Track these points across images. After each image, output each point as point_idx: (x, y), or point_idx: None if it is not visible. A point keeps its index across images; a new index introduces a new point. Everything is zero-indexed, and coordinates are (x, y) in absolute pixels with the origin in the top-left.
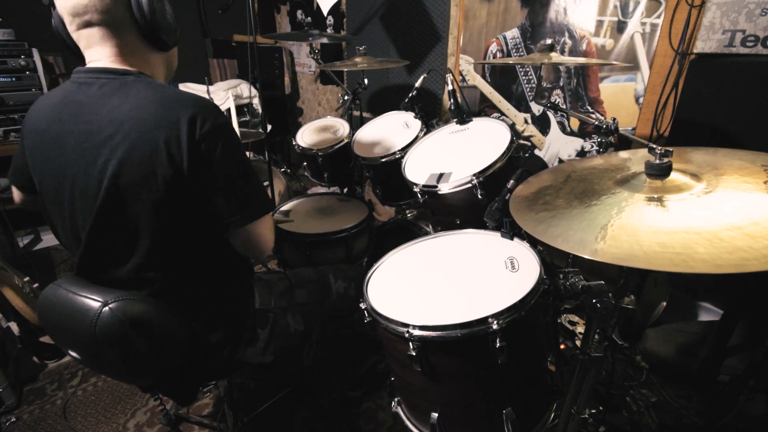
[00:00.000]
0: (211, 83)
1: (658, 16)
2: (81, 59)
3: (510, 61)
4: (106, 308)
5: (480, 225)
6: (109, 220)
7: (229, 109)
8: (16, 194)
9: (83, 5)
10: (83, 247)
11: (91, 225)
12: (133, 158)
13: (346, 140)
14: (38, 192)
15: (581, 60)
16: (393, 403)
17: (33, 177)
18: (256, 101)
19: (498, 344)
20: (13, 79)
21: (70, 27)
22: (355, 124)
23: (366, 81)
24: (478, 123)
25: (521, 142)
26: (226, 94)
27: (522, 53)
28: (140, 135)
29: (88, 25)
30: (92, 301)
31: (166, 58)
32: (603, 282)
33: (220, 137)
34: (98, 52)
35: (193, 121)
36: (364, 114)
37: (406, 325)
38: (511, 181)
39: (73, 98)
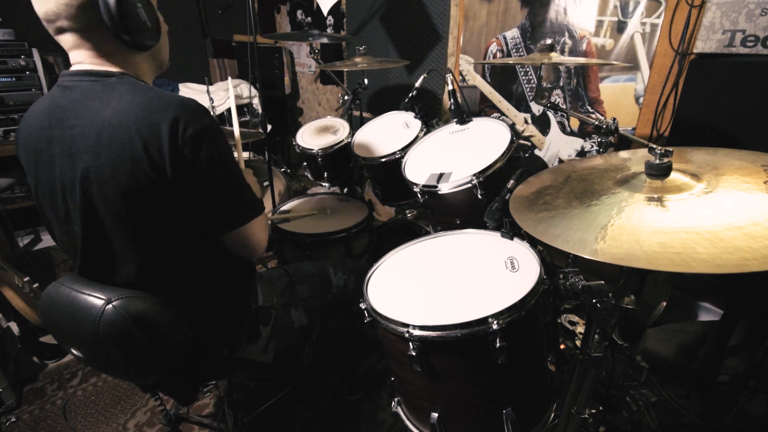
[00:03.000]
0: (211, 83)
1: (658, 16)
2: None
3: (510, 61)
4: (110, 306)
5: (480, 225)
6: (99, 228)
7: (229, 109)
8: None
9: (53, 12)
10: (80, 254)
11: (83, 233)
12: (116, 164)
13: (346, 140)
14: (34, 198)
15: (581, 60)
16: (393, 403)
17: (29, 183)
18: (256, 101)
19: (498, 344)
20: (13, 79)
21: (49, 31)
22: (355, 124)
23: (366, 81)
24: (478, 123)
25: (521, 142)
26: (226, 93)
27: (522, 53)
28: (121, 141)
29: (61, 31)
30: (95, 299)
31: (151, 56)
32: (603, 282)
33: (203, 141)
34: (77, 56)
35: (175, 126)
36: (364, 114)
37: (406, 325)
38: (511, 181)
39: (58, 103)
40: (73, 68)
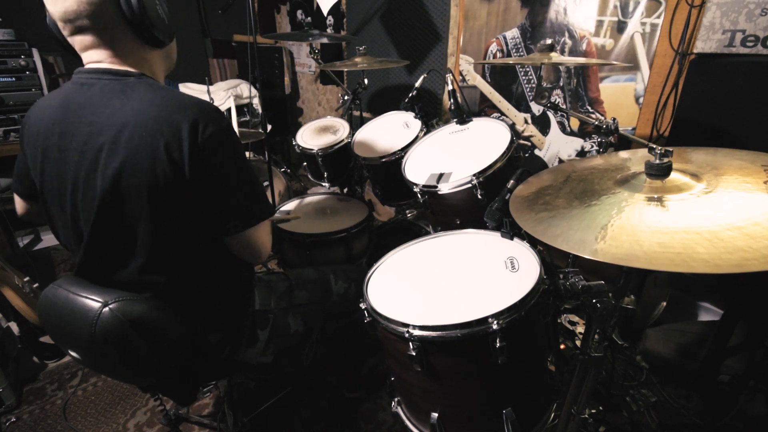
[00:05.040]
0: (211, 83)
1: (658, 16)
2: (78, 58)
3: (510, 61)
4: (106, 309)
5: (480, 225)
6: (109, 223)
7: (229, 109)
8: (19, 204)
9: (73, 11)
10: (84, 249)
11: (92, 228)
12: (134, 162)
13: (346, 140)
14: (39, 193)
15: (581, 60)
16: (393, 403)
17: (34, 178)
18: (256, 101)
19: (498, 344)
20: (13, 79)
21: (64, 31)
22: (355, 124)
23: (366, 81)
24: (478, 123)
25: (521, 142)
26: (226, 94)
27: (522, 53)
28: (141, 139)
29: (80, 30)
30: (92, 302)
31: (164, 53)
32: (603, 282)
33: (222, 142)
34: (95, 54)
35: (195, 127)
36: (364, 114)
37: (406, 325)
38: (511, 181)
39: (74, 99)
40: (89, 66)
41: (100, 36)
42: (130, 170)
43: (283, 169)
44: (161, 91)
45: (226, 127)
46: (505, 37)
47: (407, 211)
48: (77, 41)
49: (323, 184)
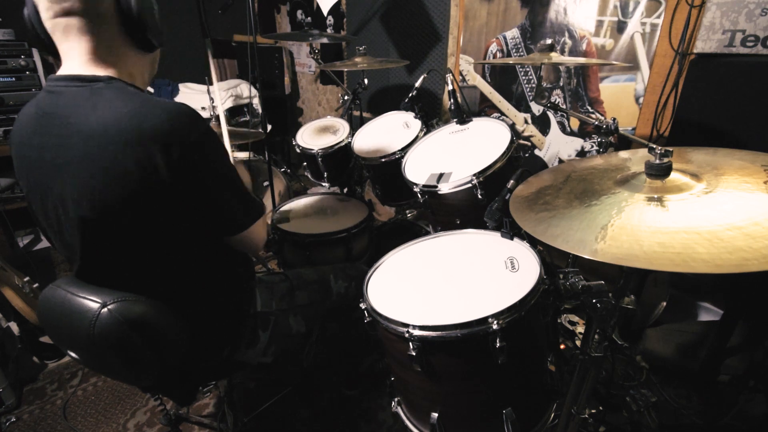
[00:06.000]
0: (211, 83)
1: (658, 16)
2: (52, 53)
3: (510, 61)
4: (105, 309)
5: (480, 225)
6: (96, 238)
7: (227, 109)
8: None
9: None
10: (79, 259)
11: (80, 243)
12: (106, 175)
13: (346, 140)
14: (27, 205)
15: (581, 60)
16: (393, 403)
17: (22, 188)
18: (256, 101)
19: (498, 344)
20: (13, 79)
21: (46, 14)
22: (355, 124)
23: (366, 81)
24: (478, 123)
25: (521, 142)
26: (227, 93)
27: (522, 53)
28: (110, 152)
29: (67, 13)
30: (91, 303)
31: (149, 60)
32: (603, 282)
33: (200, 148)
34: (73, 47)
35: (169, 135)
36: (364, 114)
37: (406, 325)
38: (511, 181)
39: (45, 110)
40: (60, 72)
41: (86, 23)
42: (103, 184)
43: (283, 169)
44: (130, 97)
45: (203, 132)
46: (505, 37)
47: (407, 211)
48: (60, 26)
49: (323, 184)
